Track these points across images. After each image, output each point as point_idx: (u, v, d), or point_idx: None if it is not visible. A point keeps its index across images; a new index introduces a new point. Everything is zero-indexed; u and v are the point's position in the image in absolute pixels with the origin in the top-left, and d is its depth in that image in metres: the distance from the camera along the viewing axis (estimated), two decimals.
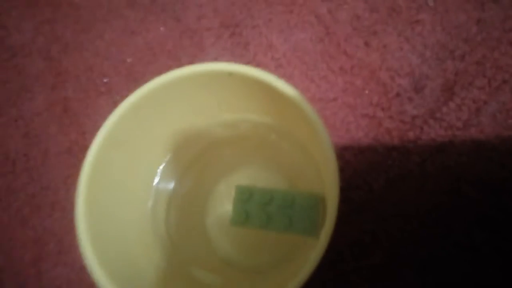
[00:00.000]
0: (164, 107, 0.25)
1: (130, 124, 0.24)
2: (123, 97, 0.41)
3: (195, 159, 0.29)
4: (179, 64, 0.39)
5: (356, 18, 0.35)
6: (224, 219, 0.29)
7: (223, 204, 0.29)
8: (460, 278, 0.28)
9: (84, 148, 0.39)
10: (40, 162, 0.40)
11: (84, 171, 0.23)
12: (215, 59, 0.38)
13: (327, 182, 0.20)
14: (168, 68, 0.26)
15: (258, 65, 0.37)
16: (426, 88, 0.32)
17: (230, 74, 0.21)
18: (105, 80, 0.41)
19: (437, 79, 0.32)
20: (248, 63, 0.37)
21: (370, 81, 0.33)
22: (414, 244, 0.29)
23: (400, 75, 0.33)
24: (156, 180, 0.28)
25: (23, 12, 0.47)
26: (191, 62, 0.39)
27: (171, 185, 0.28)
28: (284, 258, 0.27)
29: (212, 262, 0.28)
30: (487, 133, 0.30)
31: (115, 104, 0.40)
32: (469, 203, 0.29)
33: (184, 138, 0.27)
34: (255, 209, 0.26)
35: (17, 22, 0.46)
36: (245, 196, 0.26)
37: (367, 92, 0.33)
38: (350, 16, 0.36)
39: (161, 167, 0.28)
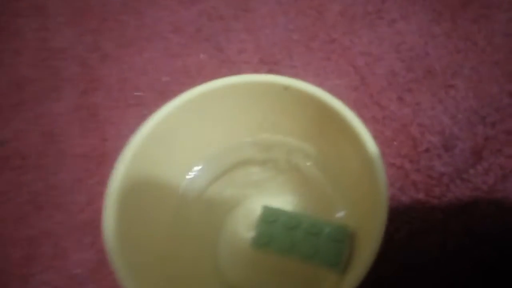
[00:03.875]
0: (208, 115, 0.25)
1: (172, 125, 0.24)
2: (152, 112, 0.42)
3: (222, 174, 0.28)
4: None
5: (392, 74, 0.37)
6: (239, 243, 0.28)
7: (240, 226, 0.28)
8: None
9: (102, 155, 0.39)
10: (53, 162, 0.40)
11: (122, 163, 0.23)
12: None
13: (372, 219, 0.20)
14: None
15: None
16: (455, 148, 0.32)
17: (286, 88, 0.22)
18: (137, 94, 0.42)
19: (467, 141, 0.32)
20: None
21: (400, 133, 0.34)
22: None
23: (431, 132, 0.33)
24: (182, 189, 0.27)
25: (69, 19, 0.48)
26: None
27: (194, 196, 0.28)
28: None
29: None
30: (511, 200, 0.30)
31: (143, 117, 0.40)
32: (491, 267, 0.28)
33: (218, 151, 0.27)
34: (279, 232, 0.25)
35: (62, 27, 0.48)
36: (271, 217, 0.25)
37: (395, 143, 0.33)
38: (387, 71, 0.37)
39: (190, 175, 0.27)
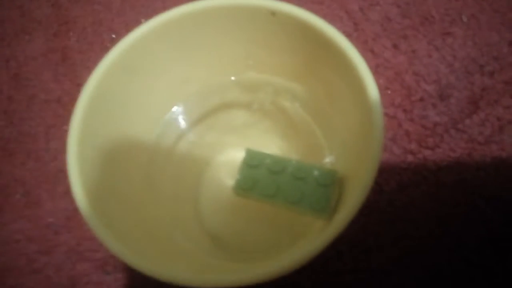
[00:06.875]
0: (186, 44, 0.22)
1: (145, 52, 0.21)
2: None
3: (203, 117, 0.26)
4: None
5: (387, 20, 0.35)
6: (220, 190, 0.26)
7: (222, 173, 0.26)
8: None
9: (76, 100, 0.37)
10: (24, 107, 0.37)
11: (86, 90, 0.20)
12: None
13: (363, 163, 0.18)
14: None
15: None
16: (451, 97, 0.31)
17: (274, 14, 0.19)
18: (113, 36, 0.39)
19: (464, 91, 0.31)
20: None
21: (394, 82, 0.32)
22: (420, 253, 0.27)
23: (426, 81, 0.31)
24: (158, 130, 0.25)
25: None
26: None
27: (172, 139, 0.25)
28: (280, 243, 0.24)
29: (198, 237, 0.25)
30: (508, 152, 0.29)
31: None
32: (483, 219, 0.27)
33: (198, 90, 0.25)
34: (264, 176, 0.23)
35: None
36: (255, 161, 0.23)
37: (389, 92, 0.32)
38: (381, 17, 0.35)
39: (166, 116, 0.25)
